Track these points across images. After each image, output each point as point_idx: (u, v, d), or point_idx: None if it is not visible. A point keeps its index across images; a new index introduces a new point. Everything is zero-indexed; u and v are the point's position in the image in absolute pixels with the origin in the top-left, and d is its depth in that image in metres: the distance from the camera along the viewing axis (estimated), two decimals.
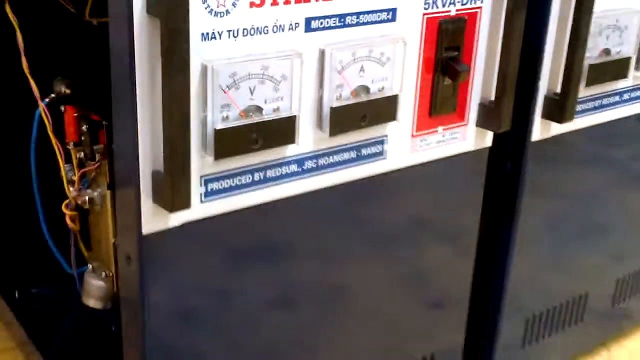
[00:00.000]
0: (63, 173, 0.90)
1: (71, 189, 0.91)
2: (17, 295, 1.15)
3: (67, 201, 0.92)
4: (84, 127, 0.85)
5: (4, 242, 1.16)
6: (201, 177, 0.65)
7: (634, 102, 0.97)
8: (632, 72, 0.93)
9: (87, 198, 0.90)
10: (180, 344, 0.72)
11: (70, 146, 0.89)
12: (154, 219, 0.64)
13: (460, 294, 0.92)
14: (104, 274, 0.94)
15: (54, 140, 0.90)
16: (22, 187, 1.04)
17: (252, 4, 0.63)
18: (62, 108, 0.88)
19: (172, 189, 0.62)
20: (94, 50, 0.75)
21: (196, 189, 0.65)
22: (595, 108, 0.93)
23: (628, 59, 0.91)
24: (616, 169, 1.03)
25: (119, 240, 0.71)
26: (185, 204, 0.62)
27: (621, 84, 0.94)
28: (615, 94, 0.94)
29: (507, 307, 0.97)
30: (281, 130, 0.67)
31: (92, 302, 0.97)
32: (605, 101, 0.94)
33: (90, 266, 0.97)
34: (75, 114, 0.86)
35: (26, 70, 0.91)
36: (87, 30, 0.93)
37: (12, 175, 1.10)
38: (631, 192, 1.06)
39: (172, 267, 0.68)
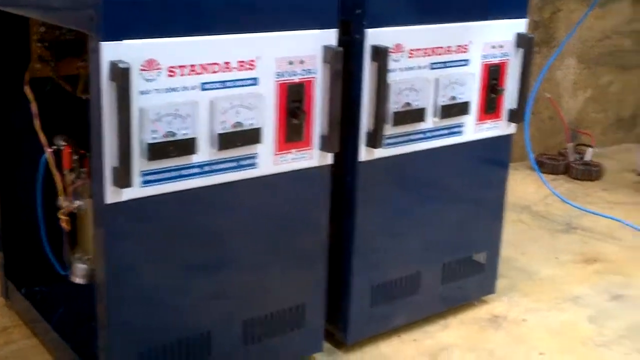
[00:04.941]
0: (61, 190, 1.40)
1: (66, 201, 1.40)
2: (23, 291, 1.61)
3: (62, 210, 1.41)
4: (75, 157, 1.35)
5: (15, 254, 1.63)
6: (140, 171, 1.14)
7: (436, 138, 1.48)
8: (430, 117, 1.45)
9: (76, 205, 1.39)
10: (127, 262, 1.19)
11: (66, 172, 1.38)
12: (113, 194, 1.13)
13: (319, 262, 1.39)
14: (85, 257, 1.42)
15: (55, 172, 1.40)
16: (27, 211, 1.52)
17: (169, 75, 1.14)
18: (62, 147, 1.38)
19: (123, 176, 1.11)
20: (82, 114, 1.24)
21: (137, 179, 1.14)
22: (405, 141, 1.43)
23: (423, 109, 1.43)
24: (424, 182, 1.52)
25: (93, 212, 1.19)
26: (129, 184, 1.11)
27: (422, 126, 1.45)
28: (420, 132, 1.45)
29: (355, 276, 1.44)
30: (187, 146, 1.17)
31: (78, 279, 1.45)
32: (413, 137, 1.44)
33: (76, 255, 1.45)
34: (70, 150, 1.37)
35: (38, 128, 1.43)
36: (78, 102, 1.44)
37: (20, 203, 1.59)
38: (438, 198, 1.55)
39: (123, 225, 1.16)
